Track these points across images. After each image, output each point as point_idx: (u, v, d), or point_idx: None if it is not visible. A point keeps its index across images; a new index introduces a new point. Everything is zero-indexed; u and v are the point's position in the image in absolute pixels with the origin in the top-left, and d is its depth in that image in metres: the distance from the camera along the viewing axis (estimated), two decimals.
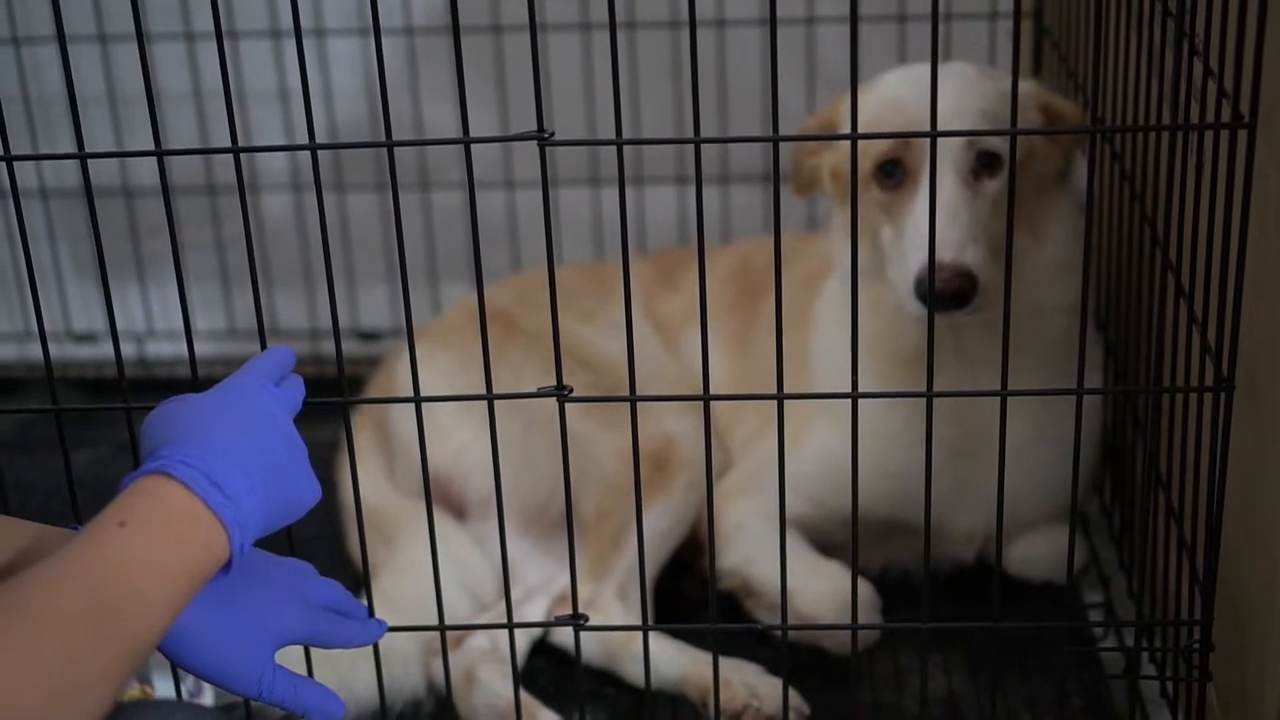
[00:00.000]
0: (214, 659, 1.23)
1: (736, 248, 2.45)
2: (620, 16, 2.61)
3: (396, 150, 1.45)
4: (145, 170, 2.75)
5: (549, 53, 2.66)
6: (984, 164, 1.86)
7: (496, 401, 1.52)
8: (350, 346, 2.80)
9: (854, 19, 1.36)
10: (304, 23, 2.58)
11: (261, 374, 1.31)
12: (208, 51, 1.46)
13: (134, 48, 1.42)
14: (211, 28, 1.42)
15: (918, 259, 1.79)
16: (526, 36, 1.38)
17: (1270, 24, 1.36)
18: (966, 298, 1.78)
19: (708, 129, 2.63)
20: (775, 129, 1.40)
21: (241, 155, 1.42)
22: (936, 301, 1.75)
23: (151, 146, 1.45)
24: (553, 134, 1.38)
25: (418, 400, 1.52)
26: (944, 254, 1.77)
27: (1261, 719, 1.52)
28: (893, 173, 1.89)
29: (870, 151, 1.89)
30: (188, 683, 1.85)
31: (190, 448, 1.17)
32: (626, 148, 2.65)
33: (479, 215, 2.72)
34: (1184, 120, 1.59)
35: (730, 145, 2.74)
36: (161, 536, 1.12)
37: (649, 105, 2.67)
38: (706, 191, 2.72)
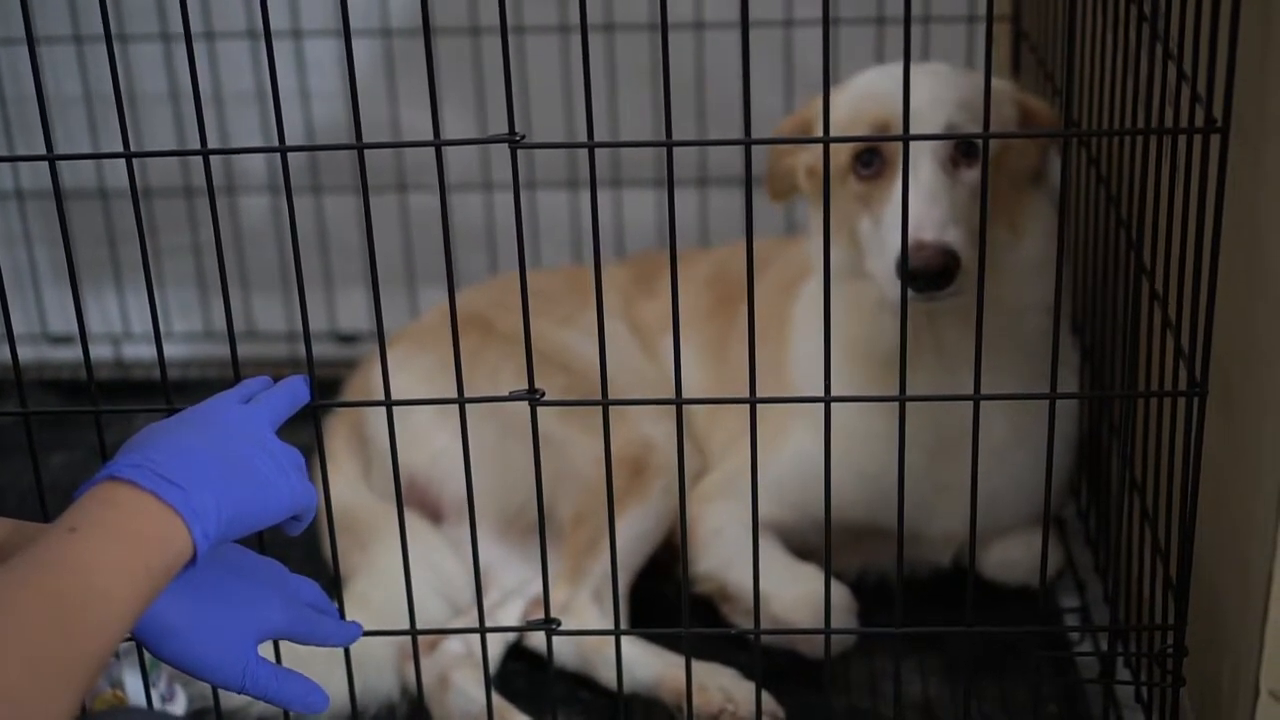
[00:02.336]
0: (197, 653, 1.23)
1: (715, 253, 2.45)
2: (599, 19, 2.61)
3: (374, 153, 1.44)
4: (122, 173, 2.73)
5: (527, 56, 2.66)
6: (963, 152, 1.86)
7: (473, 406, 1.52)
8: (328, 349, 2.79)
9: (826, 21, 1.36)
10: (282, 24, 2.62)
11: (226, 397, 1.33)
12: (184, 53, 1.45)
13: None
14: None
15: (899, 241, 1.78)
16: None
17: (1243, 28, 1.36)
18: (949, 276, 1.78)
19: (686, 132, 2.64)
20: (748, 131, 1.39)
21: (219, 157, 1.41)
22: (918, 280, 1.75)
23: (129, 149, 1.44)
24: (524, 137, 1.38)
25: (389, 404, 1.51)
26: (925, 233, 1.77)
27: None
28: (870, 162, 1.89)
29: (846, 143, 1.89)
30: (159, 687, 1.84)
31: (138, 452, 1.18)
32: (604, 151, 2.69)
33: (457, 218, 2.76)
34: (1158, 124, 1.59)
35: (708, 149, 2.73)
36: (114, 536, 1.11)
37: (627, 109, 2.67)
38: (684, 195, 2.75)
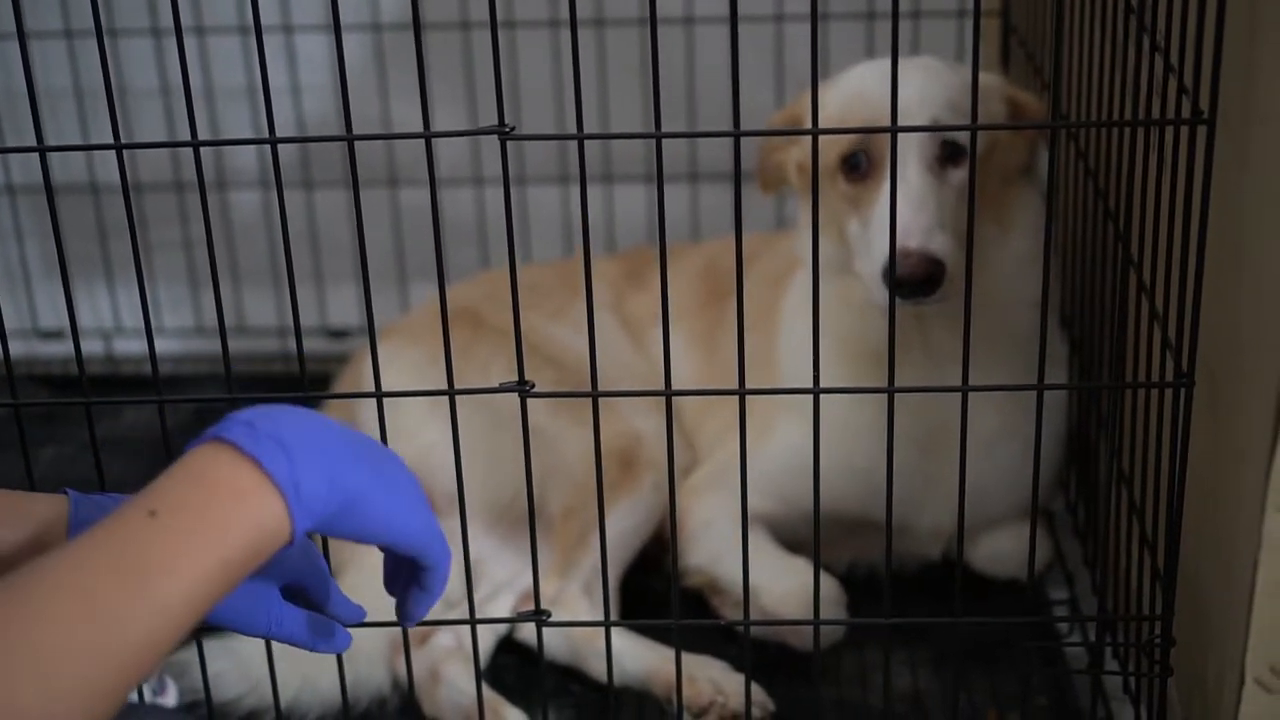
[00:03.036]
0: (224, 602, 1.16)
1: (705, 247, 2.46)
2: (590, 14, 2.62)
3: (364, 148, 1.44)
4: (113, 167, 2.73)
5: (519, 51, 2.66)
6: (949, 153, 1.86)
7: (464, 399, 1.52)
8: (319, 344, 2.80)
9: (814, 15, 1.36)
10: (273, 19, 2.62)
11: None
12: (175, 48, 1.46)
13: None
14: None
15: (885, 248, 1.79)
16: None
17: (1229, 20, 1.36)
18: (935, 284, 1.78)
19: (676, 126, 2.65)
20: (736, 124, 1.40)
21: (211, 152, 1.41)
22: (904, 288, 1.76)
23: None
24: (514, 128, 1.38)
25: (379, 395, 1.51)
26: (910, 240, 1.77)
27: (1221, 713, 1.53)
28: (858, 164, 1.89)
29: (835, 144, 1.89)
30: (150, 681, 1.84)
31: (256, 409, 1.07)
32: (595, 146, 2.70)
33: (448, 213, 2.75)
34: (1145, 116, 1.60)
35: (698, 143, 2.74)
36: (195, 526, 1.00)
37: (619, 103, 2.67)
38: (675, 190, 2.76)
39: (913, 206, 1.79)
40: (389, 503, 1.13)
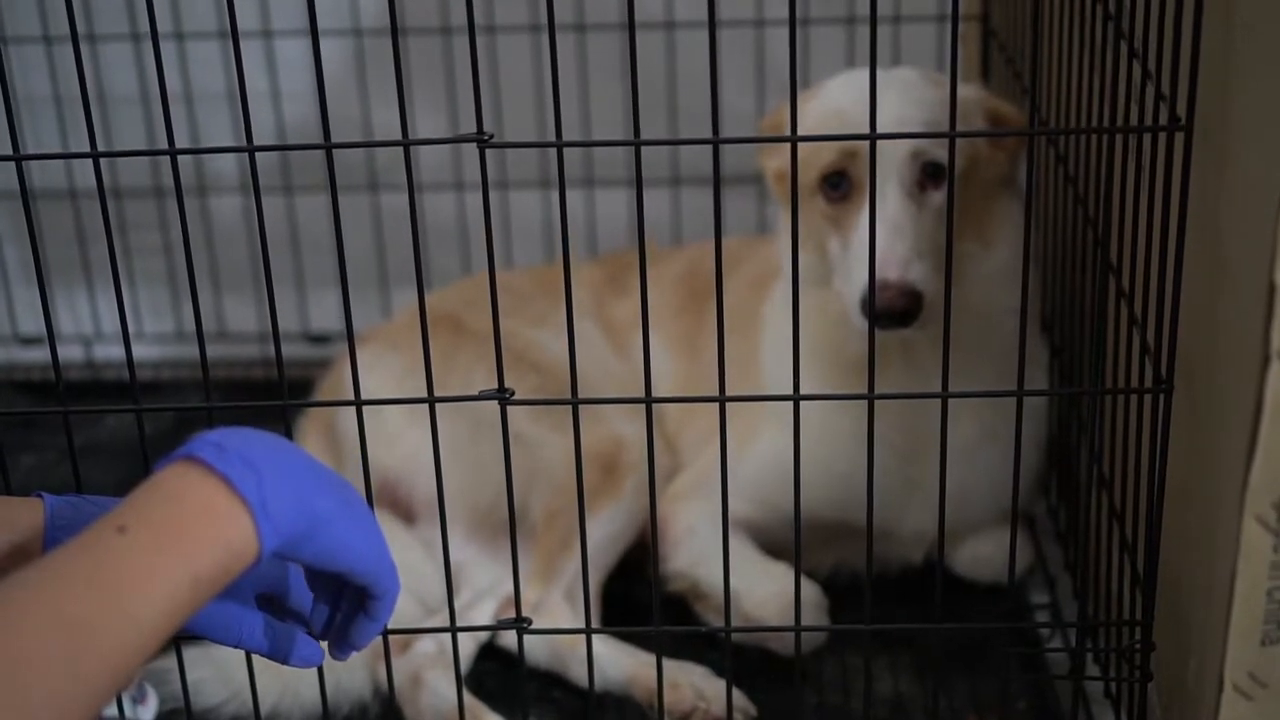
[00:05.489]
0: (194, 615, 1.17)
1: (687, 251, 2.46)
2: (570, 19, 2.62)
3: (345, 153, 1.44)
4: (92, 173, 2.73)
5: (500, 56, 2.66)
6: (929, 175, 1.86)
7: (445, 405, 1.52)
8: (300, 350, 2.79)
9: (793, 21, 1.37)
10: (252, 24, 2.62)
11: None
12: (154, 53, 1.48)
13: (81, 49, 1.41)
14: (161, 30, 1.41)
15: (863, 276, 1.78)
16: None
17: (1206, 27, 1.37)
18: (912, 316, 1.79)
19: (657, 131, 2.65)
20: (716, 130, 1.40)
21: (191, 158, 1.41)
22: (882, 319, 1.76)
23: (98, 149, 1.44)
24: (492, 136, 1.38)
25: (359, 403, 1.51)
26: (889, 272, 1.77)
27: (1201, 719, 1.53)
28: (838, 184, 1.89)
29: (815, 163, 1.89)
30: (130, 689, 1.84)
31: (231, 433, 1.09)
32: (577, 151, 2.70)
33: (429, 218, 2.76)
34: (1123, 122, 1.60)
35: (679, 148, 2.74)
36: (165, 541, 1.01)
37: (599, 108, 2.67)
38: (656, 194, 2.76)
39: (891, 234, 1.79)
40: (349, 530, 1.14)
